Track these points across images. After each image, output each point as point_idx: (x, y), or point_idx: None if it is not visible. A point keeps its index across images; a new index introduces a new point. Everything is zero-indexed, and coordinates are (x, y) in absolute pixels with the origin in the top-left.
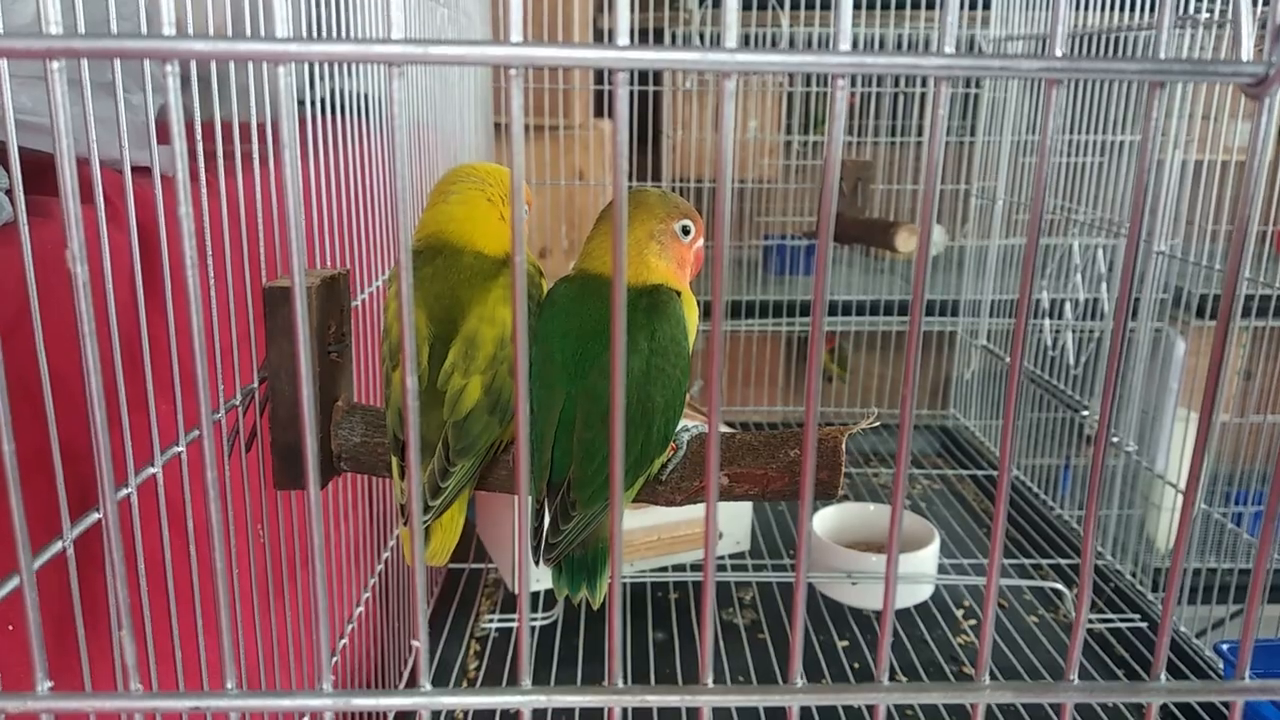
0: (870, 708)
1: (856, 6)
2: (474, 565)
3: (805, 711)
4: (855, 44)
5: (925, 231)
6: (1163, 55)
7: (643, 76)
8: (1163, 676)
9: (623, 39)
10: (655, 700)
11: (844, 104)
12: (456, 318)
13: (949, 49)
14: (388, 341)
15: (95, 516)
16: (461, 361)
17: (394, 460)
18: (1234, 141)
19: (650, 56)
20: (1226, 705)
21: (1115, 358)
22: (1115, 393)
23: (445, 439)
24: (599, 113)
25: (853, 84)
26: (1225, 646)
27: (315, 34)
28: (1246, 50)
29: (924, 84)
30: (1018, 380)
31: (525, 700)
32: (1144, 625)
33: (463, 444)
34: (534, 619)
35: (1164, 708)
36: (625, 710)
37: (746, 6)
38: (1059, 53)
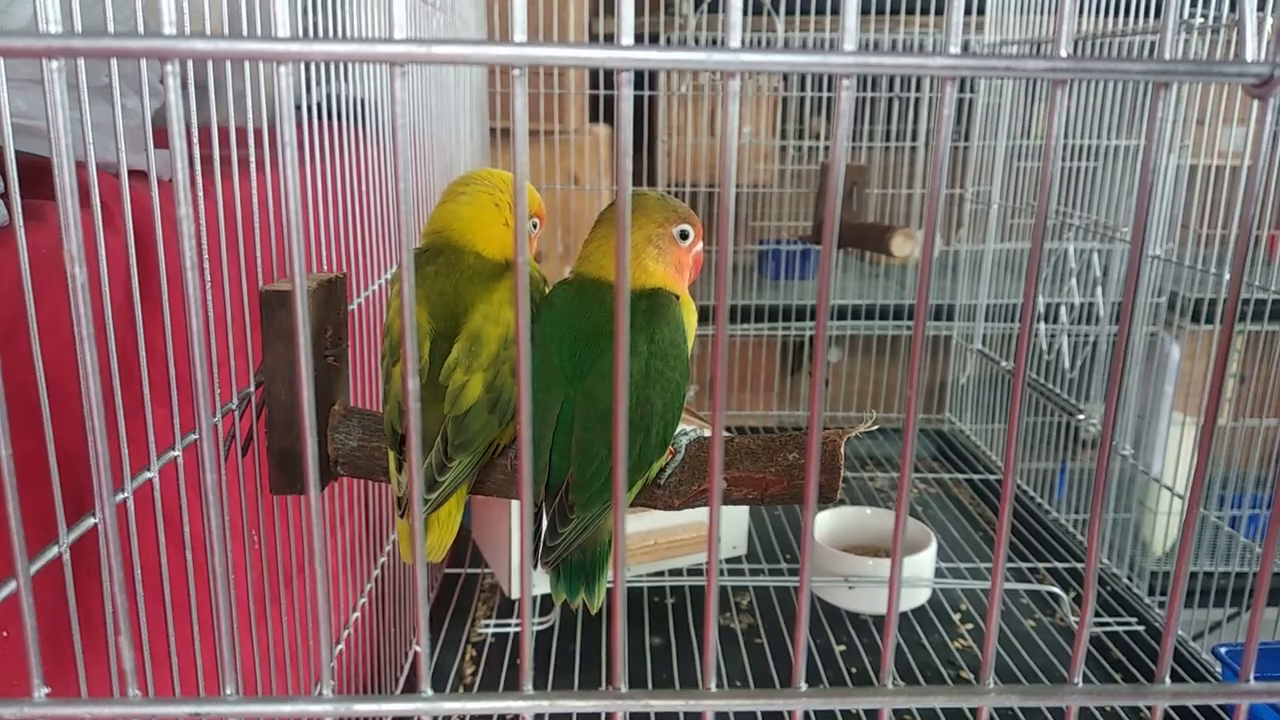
0: (873, 712)
1: None
2: (470, 570)
3: (805, 716)
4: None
5: (929, 230)
6: (1167, 56)
7: (637, 82)
8: (1166, 680)
9: (626, 38)
10: (658, 705)
11: (849, 104)
12: (459, 315)
13: (954, 49)
14: (389, 338)
15: (91, 521)
16: (464, 358)
17: (391, 455)
18: (1228, 146)
19: (654, 56)
20: (1226, 708)
21: (1119, 364)
22: (1119, 399)
23: (444, 433)
24: (594, 118)
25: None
26: (1223, 649)
27: (315, 35)
28: (1251, 51)
29: (919, 88)
30: (1022, 386)
31: (527, 705)
32: (1140, 629)
33: (461, 439)
34: (531, 623)
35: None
36: (626, 715)
37: (743, 11)
38: (1064, 53)
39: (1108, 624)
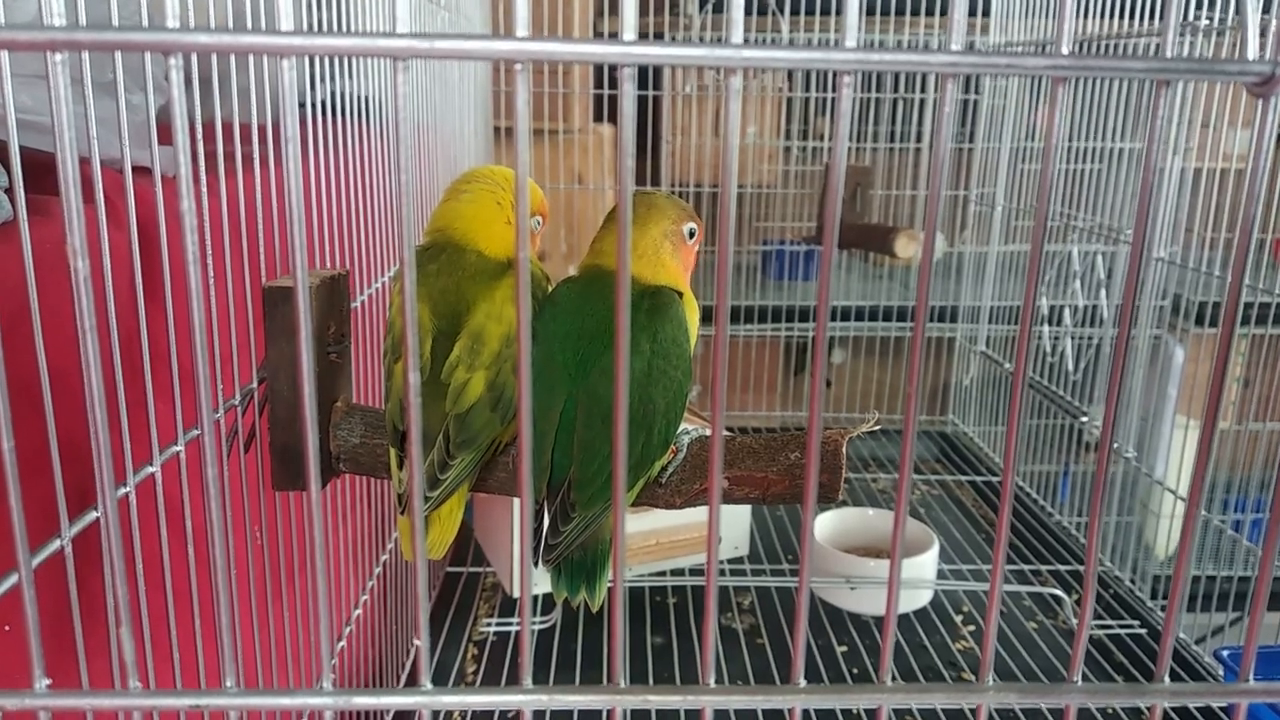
0: (872, 711)
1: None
2: (472, 569)
3: (805, 714)
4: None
5: (930, 229)
6: (1168, 54)
7: (642, 81)
8: (1165, 679)
9: (629, 34)
10: (657, 701)
11: (850, 102)
12: (461, 313)
13: (956, 46)
14: (391, 335)
15: (94, 515)
16: (466, 356)
17: (392, 451)
18: (1233, 149)
19: (656, 52)
20: (1226, 709)
21: (1119, 364)
22: (1119, 401)
23: (446, 431)
24: (598, 117)
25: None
26: (1225, 652)
27: (319, 30)
28: (1252, 50)
29: (923, 89)
30: (1022, 387)
31: (527, 700)
32: (1143, 632)
33: (464, 437)
34: (533, 622)
35: (1163, 713)
36: (626, 711)
37: (747, 12)
38: (1065, 50)
39: (1110, 627)
